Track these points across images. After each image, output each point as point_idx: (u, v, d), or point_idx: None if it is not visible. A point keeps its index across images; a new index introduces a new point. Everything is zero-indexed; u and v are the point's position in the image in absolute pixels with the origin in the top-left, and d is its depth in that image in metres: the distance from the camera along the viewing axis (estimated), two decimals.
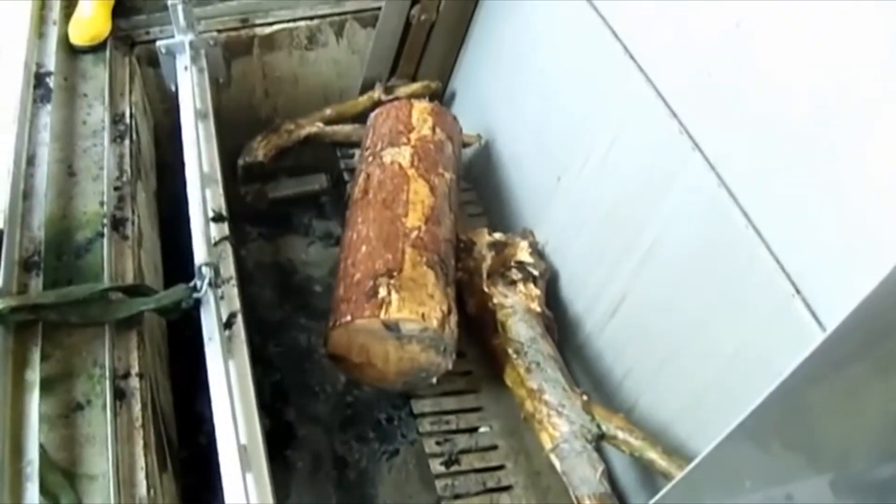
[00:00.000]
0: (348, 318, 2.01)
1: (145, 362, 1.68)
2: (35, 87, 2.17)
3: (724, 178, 1.81)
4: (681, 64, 1.96)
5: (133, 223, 1.94)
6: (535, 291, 2.33)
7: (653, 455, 1.90)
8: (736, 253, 1.77)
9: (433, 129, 2.56)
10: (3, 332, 1.59)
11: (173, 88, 2.32)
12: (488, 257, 2.37)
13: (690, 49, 1.93)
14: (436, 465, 2.13)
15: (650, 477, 2.03)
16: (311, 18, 2.81)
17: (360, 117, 2.82)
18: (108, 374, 1.60)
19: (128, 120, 2.18)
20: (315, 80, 2.93)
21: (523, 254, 2.42)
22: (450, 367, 2.12)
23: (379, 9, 2.79)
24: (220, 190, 2.02)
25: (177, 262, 1.99)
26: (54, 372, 1.59)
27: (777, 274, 1.65)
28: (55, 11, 2.43)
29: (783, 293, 1.63)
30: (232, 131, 2.55)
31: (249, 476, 1.45)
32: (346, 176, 2.77)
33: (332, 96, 3.02)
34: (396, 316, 1.97)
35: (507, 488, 2.13)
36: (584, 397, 2.03)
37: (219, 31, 2.62)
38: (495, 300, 2.28)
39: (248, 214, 2.89)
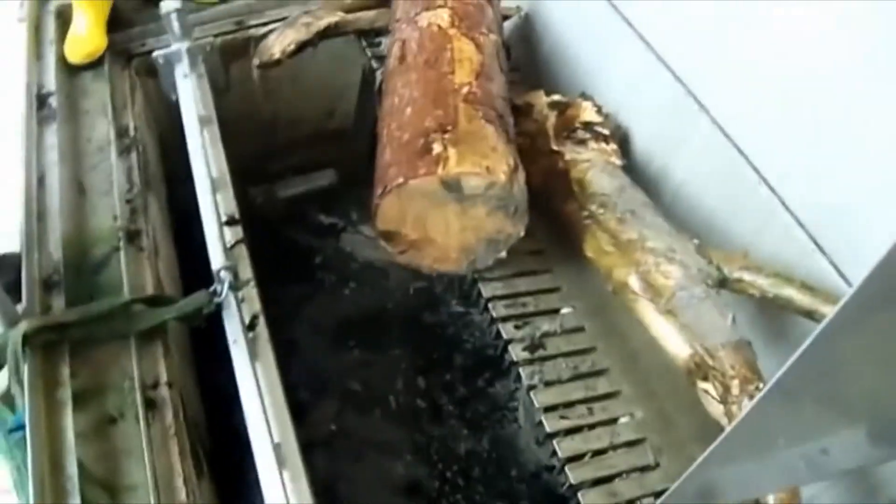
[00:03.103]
0: (400, 180, 1.74)
1: (173, 371, 1.69)
2: (38, 108, 2.18)
3: (732, 138, 1.81)
4: (678, 25, 1.96)
5: (148, 234, 1.94)
6: (612, 146, 2.06)
7: (790, 291, 1.61)
8: (751, 210, 1.76)
9: None
10: (30, 354, 1.60)
11: (174, 97, 2.32)
12: (551, 116, 2.10)
13: (686, 9, 1.91)
14: (518, 351, 1.88)
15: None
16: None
17: (383, 3, 2.54)
18: (137, 385, 1.61)
19: (132, 132, 2.18)
20: (315, 76, 2.90)
21: (588, 114, 2.15)
22: (521, 233, 1.87)
23: None
24: (231, 193, 2.02)
25: (191, 273, 2.01)
26: (85, 388, 1.61)
27: (795, 229, 1.64)
28: (51, 32, 2.43)
29: (802, 248, 1.62)
30: (235, 136, 2.54)
31: (286, 473, 1.47)
32: (374, 64, 2.47)
33: (334, 90, 3.01)
34: (456, 170, 1.70)
35: (601, 372, 1.89)
36: (696, 241, 1.76)
37: (214, 35, 2.61)
38: (567, 157, 1.98)
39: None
